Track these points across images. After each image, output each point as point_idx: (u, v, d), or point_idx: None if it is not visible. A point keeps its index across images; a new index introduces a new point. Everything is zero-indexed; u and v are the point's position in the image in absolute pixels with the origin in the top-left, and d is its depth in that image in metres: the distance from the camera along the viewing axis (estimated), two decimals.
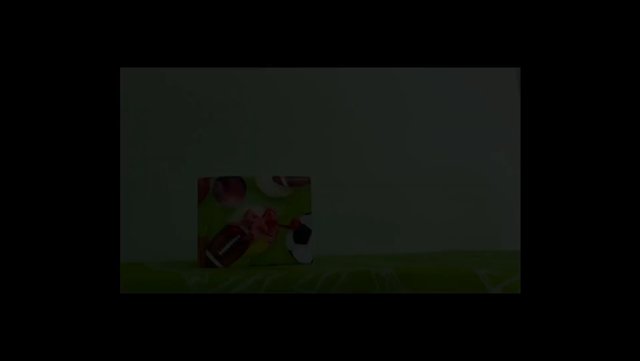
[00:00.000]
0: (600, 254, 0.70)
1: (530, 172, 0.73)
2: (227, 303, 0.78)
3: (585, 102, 0.72)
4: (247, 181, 1.01)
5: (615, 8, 0.71)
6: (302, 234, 1.02)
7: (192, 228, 1.07)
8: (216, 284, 0.80)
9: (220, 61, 1.04)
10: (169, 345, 0.75)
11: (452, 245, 1.44)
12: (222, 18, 0.93)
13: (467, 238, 1.47)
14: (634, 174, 0.70)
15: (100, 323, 0.67)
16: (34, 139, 0.69)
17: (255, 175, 1.02)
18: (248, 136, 1.35)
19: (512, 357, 0.71)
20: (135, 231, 1.25)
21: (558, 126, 0.73)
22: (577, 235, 0.71)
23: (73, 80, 0.71)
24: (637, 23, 0.70)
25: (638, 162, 0.69)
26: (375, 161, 1.42)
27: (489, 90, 1.51)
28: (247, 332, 0.78)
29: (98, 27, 0.72)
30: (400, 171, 1.43)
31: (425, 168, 1.44)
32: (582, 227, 0.70)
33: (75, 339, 0.66)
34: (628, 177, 0.70)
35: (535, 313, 0.69)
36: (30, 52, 0.69)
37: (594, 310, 0.68)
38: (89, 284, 0.68)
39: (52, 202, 0.69)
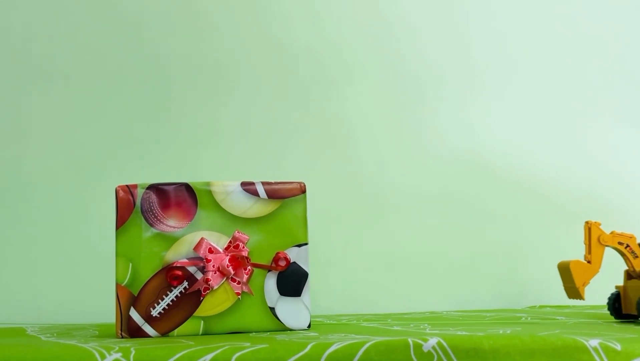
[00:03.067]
0: None
1: None
2: None
3: None
4: (197, 189, 0.81)
5: None
6: (291, 280, 0.81)
7: (105, 271, 0.93)
8: None
9: None
10: None
11: (535, 295, 1.30)
12: None
13: (558, 283, 1.26)
14: None
15: None
16: None
17: (213, 181, 0.82)
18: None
19: None
20: (15, 275, 1.12)
21: None
22: None
23: None
24: None
25: None
26: (395, 158, 1.31)
27: None
28: None
29: None
30: (430, 179, 1.32)
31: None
32: None
33: None
34: None
35: None
36: None
37: None
38: None
39: None
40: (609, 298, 0.83)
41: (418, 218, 1.29)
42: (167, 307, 0.76)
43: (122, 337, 0.75)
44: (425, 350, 0.65)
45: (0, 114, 1.14)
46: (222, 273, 0.77)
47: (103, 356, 0.63)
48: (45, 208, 1.14)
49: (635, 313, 0.80)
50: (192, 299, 0.77)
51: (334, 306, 1.14)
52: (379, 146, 1.30)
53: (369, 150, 1.30)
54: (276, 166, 1.24)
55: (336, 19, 1.28)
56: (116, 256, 0.76)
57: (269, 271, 0.79)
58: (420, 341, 0.64)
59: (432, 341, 0.65)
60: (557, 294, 1.29)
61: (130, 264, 0.76)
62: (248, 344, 0.65)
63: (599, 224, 0.81)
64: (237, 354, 0.62)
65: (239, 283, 0.78)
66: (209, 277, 0.77)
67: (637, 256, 0.80)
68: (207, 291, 0.77)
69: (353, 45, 1.28)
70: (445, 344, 0.64)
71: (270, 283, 0.79)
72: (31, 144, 1.15)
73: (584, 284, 0.80)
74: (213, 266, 0.77)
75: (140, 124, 1.19)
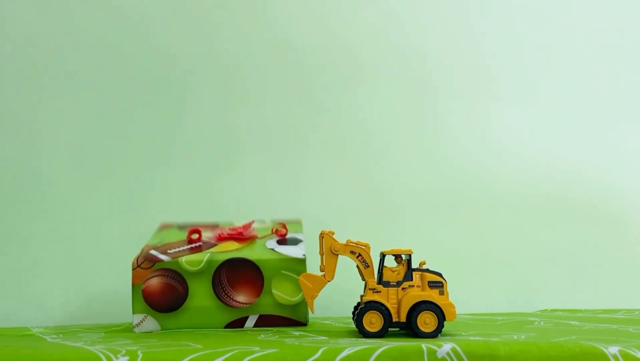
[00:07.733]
0: None
1: None
2: None
3: None
4: None
5: None
6: (289, 242, 0.93)
7: (113, 273, 1.00)
8: None
9: None
10: None
11: (545, 299, 1.26)
12: None
13: (568, 286, 1.28)
14: None
15: None
16: None
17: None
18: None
19: None
20: (20, 276, 1.12)
21: None
22: None
23: None
24: None
25: None
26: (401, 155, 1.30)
27: None
28: None
29: None
30: (436, 181, 1.31)
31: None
32: None
33: None
34: None
35: None
36: None
37: None
38: None
39: None
40: (353, 308, 0.82)
41: (431, 221, 1.30)
42: (181, 251, 0.87)
43: (138, 264, 0.82)
44: (440, 356, 0.64)
45: (14, 115, 1.14)
46: (229, 236, 0.94)
47: (110, 359, 0.63)
48: (52, 208, 1.14)
49: None
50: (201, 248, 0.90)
51: (343, 309, 1.14)
52: (392, 148, 1.31)
53: (382, 152, 1.31)
54: (289, 168, 1.26)
55: (348, 20, 1.27)
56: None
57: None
58: (434, 347, 0.64)
59: (446, 347, 0.65)
60: (567, 298, 1.29)
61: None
62: (257, 348, 0.65)
63: (333, 233, 0.80)
64: (247, 359, 0.62)
65: (242, 235, 0.93)
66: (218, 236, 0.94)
67: (368, 266, 0.79)
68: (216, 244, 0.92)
69: (365, 46, 1.27)
70: (459, 350, 0.63)
71: (271, 241, 0.94)
72: (42, 145, 1.16)
73: (313, 298, 0.78)
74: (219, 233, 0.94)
75: (156, 128, 1.21)
